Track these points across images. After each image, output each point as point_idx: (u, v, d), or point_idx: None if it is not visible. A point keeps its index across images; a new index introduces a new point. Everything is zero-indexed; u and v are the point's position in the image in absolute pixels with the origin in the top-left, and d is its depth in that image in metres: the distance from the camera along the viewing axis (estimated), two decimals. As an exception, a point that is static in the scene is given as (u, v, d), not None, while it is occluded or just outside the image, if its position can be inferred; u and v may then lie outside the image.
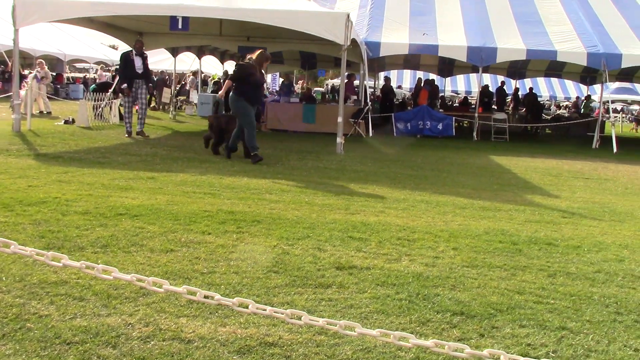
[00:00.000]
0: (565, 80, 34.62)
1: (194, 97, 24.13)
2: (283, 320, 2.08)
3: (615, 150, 15.10)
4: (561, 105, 38.50)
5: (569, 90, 38.85)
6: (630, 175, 10.53)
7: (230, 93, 9.38)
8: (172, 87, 21.92)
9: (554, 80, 37.30)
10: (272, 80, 36.81)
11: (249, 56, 9.58)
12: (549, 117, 25.41)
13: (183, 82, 28.30)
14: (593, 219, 6.33)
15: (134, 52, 12.32)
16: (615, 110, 41.52)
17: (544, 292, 3.84)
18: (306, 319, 1.94)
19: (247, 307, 2.06)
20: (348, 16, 11.37)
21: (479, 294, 3.75)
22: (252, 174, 8.05)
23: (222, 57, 23.47)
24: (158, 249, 4.28)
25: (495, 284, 3.95)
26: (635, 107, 44.90)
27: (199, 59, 22.41)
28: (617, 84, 34.47)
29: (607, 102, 19.91)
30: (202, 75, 26.27)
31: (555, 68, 24.75)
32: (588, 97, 26.21)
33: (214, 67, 29.57)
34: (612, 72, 20.03)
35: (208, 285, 3.64)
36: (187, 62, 26.05)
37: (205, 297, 2.21)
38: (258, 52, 9.49)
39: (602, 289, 3.98)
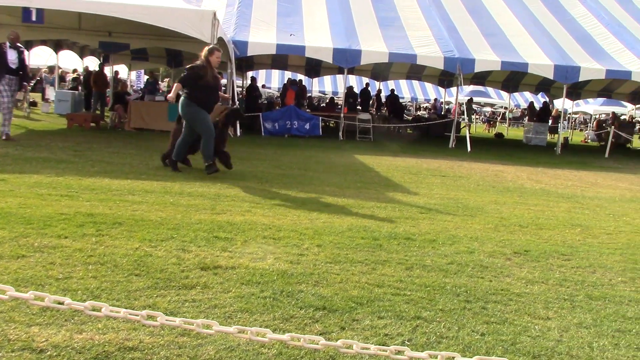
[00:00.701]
0: (425, 83, 36.52)
1: (51, 94, 22.76)
2: (141, 323, 2.02)
3: (469, 149, 16.15)
4: (421, 106, 40.55)
5: (428, 93, 40.98)
6: (482, 173, 11.30)
7: (181, 98, 8.56)
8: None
9: (415, 82, 39.20)
10: (137, 78, 35.59)
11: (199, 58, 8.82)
12: (410, 118, 26.67)
13: (38, 78, 26.60)
14: (448, 214, 6.73)
15: (7, 44, 10.90)
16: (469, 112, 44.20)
17: (402, 285, 4.03)
18: (162, 320, 1.90)
19: (100, 311, 1.99)
20: (215, 14, 11.27)
21: (341, 288, 3.86)
22: (113, 174, 7.75)
23: (82, 52, 22.35)
24: (8, 255, 4.00)
25: (357, 279, 4.08)
26: (487, 109, 48.21)
27: (56, 53, 21.20)
28: (471, 87, 36.86)
29: (462, 104, 21.22)
30: (60, 71, 24.84)
31: (415, 71, 26.02)
32: (470, 100, 27.85)
33: (72, 62, 28.06)
34: (466, 76, 21.40)
35: (63, 291, 3.46)
36: (42, 56, 24.54)
37: (57, 302, 2.10)
38: (205, 49, 8.77)
39: (454, 279, 4.25)
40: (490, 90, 38.40)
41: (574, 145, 25.03)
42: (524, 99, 42.57)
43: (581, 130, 48.07)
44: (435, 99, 36.21)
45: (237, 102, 16.56)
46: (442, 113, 27.05)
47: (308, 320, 3.32)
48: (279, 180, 8.41)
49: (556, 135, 23.77)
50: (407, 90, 40.90)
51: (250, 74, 26.11)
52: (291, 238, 5.04)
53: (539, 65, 18.04)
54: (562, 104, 21.20)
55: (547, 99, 29.30)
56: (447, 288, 4.03)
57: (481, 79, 27.47)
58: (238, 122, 14.19)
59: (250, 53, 17.05)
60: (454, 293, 3.94)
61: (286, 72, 29.80)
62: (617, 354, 3.16)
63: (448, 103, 31.71)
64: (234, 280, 3.86)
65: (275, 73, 36.67)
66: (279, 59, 24.07)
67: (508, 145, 21.51)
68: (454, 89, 24.71)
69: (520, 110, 44.00)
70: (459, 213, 6.88)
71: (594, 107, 42.84)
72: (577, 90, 28.47)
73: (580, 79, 19.00)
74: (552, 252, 5.29)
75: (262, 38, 17.02)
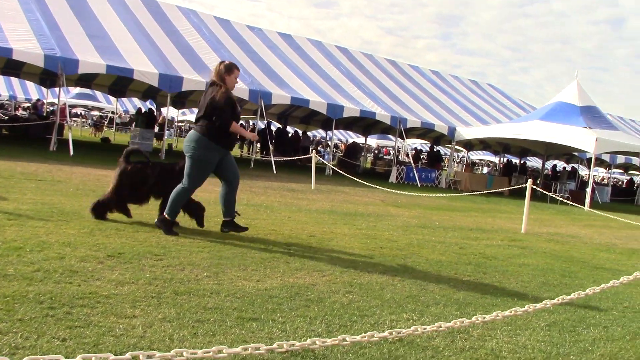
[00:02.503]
0: (26, 81, 33.84)
1: None
2: None
3: (71, 153, 15.53)
4: (21, 106, 37.47)
5: (30, 92, 38.12)
6: (84, 177, 10.98)
7: (194, 132, 6.56)
8: None
9: (14, 79, 36.05)
10: None
11: (213, 76, 6.61)
12: (6, 117, 24.38)
13: None
14: (40, 220, 6.33)
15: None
16: (76, 115, 42.65)
17: (-24, 297, 3.63)
18: None
19: None
20: None
21: None
22: None
23: None
24: None
25: None
26: (95, 112, 47.13)
27: None
28: (78, 89, 35.54)
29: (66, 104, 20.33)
30: None
31: (13, 67, 23.89)
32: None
33: None
34: (71, 77, 20.56)
35: None
36: None
37: None
38: (220, 66, 6.62)
39: (38, 286, 4.01)
40: (98, 94, 37.66)
41: (178, 151, 26.20)
42: (132, 104, 42.96)
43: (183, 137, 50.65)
44: (38, 99, 33.91)
45: None
46: (44, 114, 25.45)
47: None
48: None
49: (161, 142, 24.61)
50: (4, 87, 37.33)
51: None
52: None
53: (144, 72, 18.40)
54: (167, 111, 22.05)
55: (154, 106, 30.12)
56: (30, 296, 3.78)
57: (87, 81, 26.74)
58: None
59: None
60: (37, 301, 3.72)
61: None
62: (194, 342, 3.40)
63: (52, 104, 29.99)
64: None
65: None
66: None
67: (114, 150, 21.37)
68: (58, 89, 23.49)
69: (129, 115, 44.25)
70: (54, 218, 6.54)
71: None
72: (182, 100, 29.96)
73: (183, 89, 20.05)
74: (145, 253, 5.43)
75: None
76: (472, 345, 3.96)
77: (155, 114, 28.56)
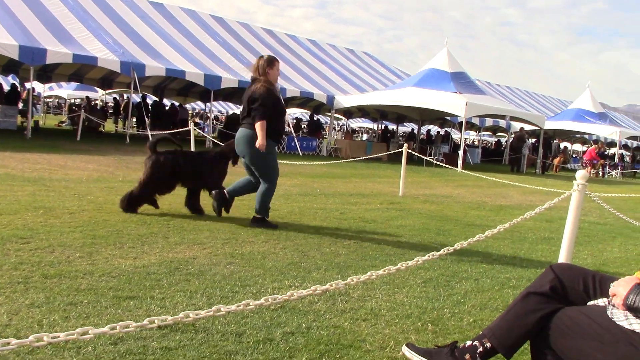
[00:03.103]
0: None
1: None
2: None
3: None
4: None
5: None
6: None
7: (244, 130, 6.54)
8: None
9: None
10: None
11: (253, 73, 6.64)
12: None
13: None
14: None
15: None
16: None
17: None
18: None
19: None
20: None
21: None
22: None
23: None
24: None
25: None
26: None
27: None
28: None
29: None
30: None
31: None
32: None
33: None
34: None
35: None
36: None
37: None
38: (262, 60, 6.63)
39: None
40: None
41: (47, 129, 24.75)
42: (-8, 80, 39.81)
43: (56, 114, 47.89)
44: None
45: None
46: None
47: None
48: None
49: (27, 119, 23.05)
50: None
51: None
52: None
53: (3, 44, 17.08)
54: (30, 86, 20.65)
55: (17, 81, 28.11)
56: None
57: None
58: None
59: None
60: None
61: None
62: (66, 326, 3.23)
63: None
64: None
65: None
66: None
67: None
68: None
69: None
70: None
71: (68, 91, 43.25)
72: (48, 74, 28.20)
73: (48, 62, 18.85)
74: (10, 236, 5.08)
75: None
76: (353, 306, 4.06)
77: (19, 89, 26.68)
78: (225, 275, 4.54)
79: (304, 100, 30.33)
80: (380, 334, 3.57)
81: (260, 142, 6.36)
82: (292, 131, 25.74)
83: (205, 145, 21.55)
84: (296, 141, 24.04)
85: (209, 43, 25.95)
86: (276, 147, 6.82)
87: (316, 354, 3.16)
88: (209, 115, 28.89)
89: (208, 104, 28.30)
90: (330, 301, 4.11)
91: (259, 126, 6.34)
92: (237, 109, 40.65)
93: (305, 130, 31.51)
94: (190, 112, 44.54)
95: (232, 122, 28.82)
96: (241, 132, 6.57)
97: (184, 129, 19.72)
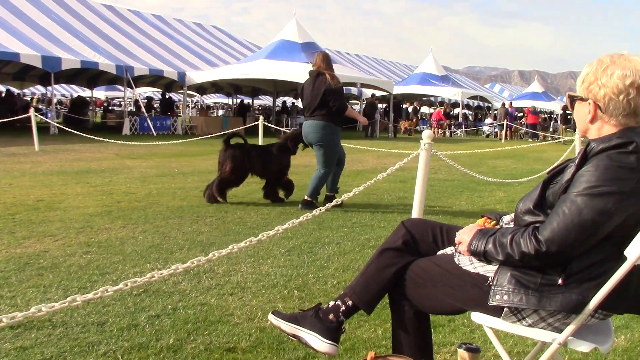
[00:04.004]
0: None
1: None
2: None
3: None
4: None
5: None
6: None
7: (319, 121, 7.10)
8: None
9: None
10: None
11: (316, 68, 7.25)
12: None
13: None
14: None
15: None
16: None
17: None
18: None
19: None
20: None
21: None
22: None
23: None
24: None
25: None
26: None
27: None
28: None
29: None
30: None
31: None
32: None
33: None
34: None
35: None
36: None
37: None
38: (321, 56, 7.36)
39: None
40: None
41: None
42: None
43: None
44: None
45: None
46: None
47: None
48: None
49: None
50: None
51: None
52: None
53: None
54: None
55: None
56: None
57: None
58: None
59: None
60: None
61: None
62: None
63: None
64: None
65: None
66: None
67: None
68: None
69: None
70: None
71: None
72: None
73: None
74: None
75: None
76: (218, 282, 4.05)
77: None
78: (81, 265, 4.33)
79: (154, 79, 29.26)
80: (248, 306, 3.60)
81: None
82: (145, 111, 24.77)
83: (49, 132, 20.22)
84: (149, 121, 23.20)
85: (45, 22, 24.13)
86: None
87: (184, 334, 3.12)
88: (50, 99, 27.06)
89: (49, 88, 26.46)
90: (195, 280, 4.07)
91: (350, 112, 7.48)
92: (81, 92, 38.38)
93: (158, 110, 30.48)
94: (33, 97, 41.57)
95: (77, 106, 27.24)
96: (312, 123, 7.14)
97: (23, 115, 18.28)
